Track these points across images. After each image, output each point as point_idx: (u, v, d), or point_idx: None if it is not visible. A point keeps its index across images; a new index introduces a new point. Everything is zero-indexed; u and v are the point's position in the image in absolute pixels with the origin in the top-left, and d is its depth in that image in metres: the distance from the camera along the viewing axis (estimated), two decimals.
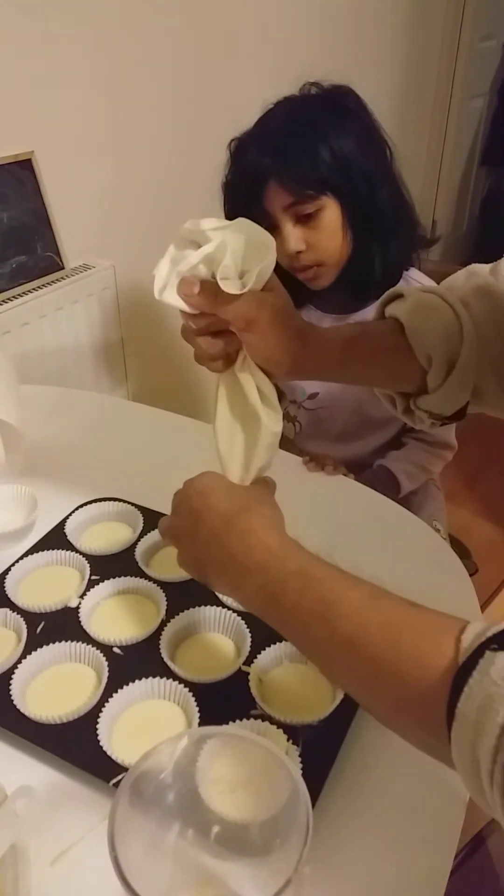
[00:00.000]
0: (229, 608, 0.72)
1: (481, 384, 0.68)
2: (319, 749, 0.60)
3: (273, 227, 1.03)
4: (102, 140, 1.51)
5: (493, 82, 2.99)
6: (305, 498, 0.90)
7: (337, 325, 0.80)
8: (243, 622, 0.71)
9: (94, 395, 1.37)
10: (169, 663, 0.67)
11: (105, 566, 0.79)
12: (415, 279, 1.14)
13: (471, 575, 0.81)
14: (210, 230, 0.54)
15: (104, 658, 0.68)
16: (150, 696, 0.65)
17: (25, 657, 0.67)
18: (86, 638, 0.71)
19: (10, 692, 0.64)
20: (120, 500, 0.89)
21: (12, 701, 0.64)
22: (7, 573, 0.78)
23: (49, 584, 0.78)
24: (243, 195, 1.05)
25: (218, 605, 0.73)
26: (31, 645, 0.69)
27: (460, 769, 0.39)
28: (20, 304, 1.36)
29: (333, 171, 1.00)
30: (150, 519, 0.85)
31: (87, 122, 1.46)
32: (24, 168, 1.36)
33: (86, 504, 0.88)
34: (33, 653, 0.68)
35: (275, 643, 0.68)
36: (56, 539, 0.84)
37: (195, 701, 0.63)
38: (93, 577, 0.78)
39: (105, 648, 0.69)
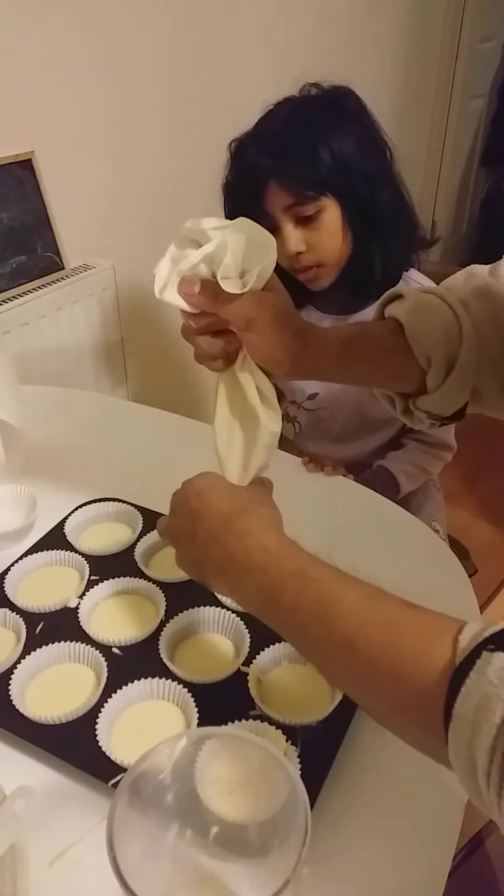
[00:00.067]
0: (228, 609, 0.72)
1: (480, 385, 0.68)
2: (318, 750, 0.60)
3: (273, 228, 1.03)
4: (103, 140, 1.51)
5: (493, 83, 2.99)
6: (305, 498, 0.90)
7: (337, 326, 0.80)
8: (242, 623, 0.71)
9: (94, 396, 1.37)
10: (168, 664, 0.67)
11: (104, 566, 0.80)
12: (414, 280, 1.14)
13: (470, 576, 0.81)
14: (211, 229, 0.54)
15: (103, 658, 0.68)
16: (149, 696, 0.65)
17: (25, 657, 0.67)
18: (85, 638, 0.71)
19: (10, 692, 0.64)
20: (119, 501, 0.89)
21: (11, 701, 0.64)
22: (6, 573, 0.78)
23: (48, 584, 0.78)
24: (243, 196, 1.05)
25: (217, 606, 0.73)
26: (31, 645, 0.69)
27: (457, 769, 0.39)
28: (20, 305, 1.36)
29: (333, 171, 1.01)
30: (150, 519, 0.85)
31: (88, 122, 1.46)
32: (24, 168, 1.36)
33: (85, 504, 0.88)
34: (32, 653, 0.68)
35: (274, 644, 0.68)
36: (55, 539, 0.84)
37: (194, 701, 0.63)
38: (92, 578, 0.78)
39: (104, 649, 0.69)
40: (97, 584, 0.77)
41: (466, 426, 0.79)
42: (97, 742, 0.60)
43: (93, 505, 0.88)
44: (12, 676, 0.65)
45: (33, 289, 1.40)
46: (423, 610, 0.45)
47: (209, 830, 0.51)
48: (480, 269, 0.71)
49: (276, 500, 0.61)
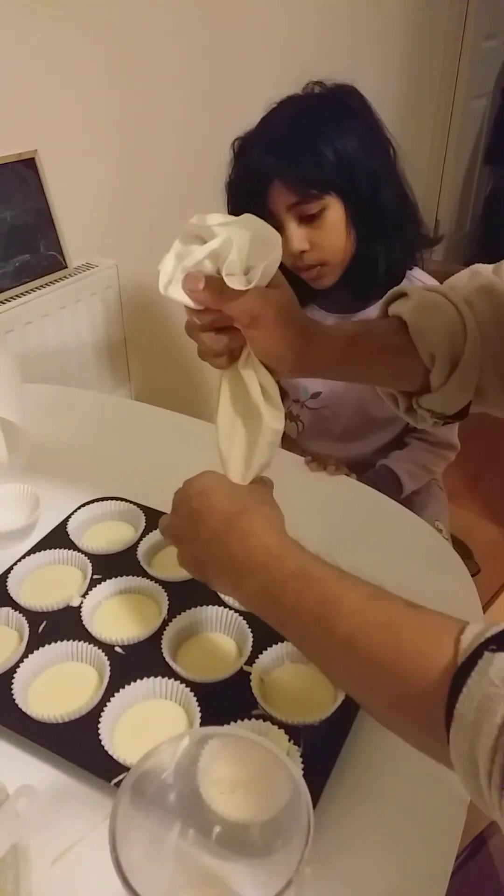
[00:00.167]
0: (231, 608, 0.72)
1: (484, 383, 0.68)
2: (321, 749, 0.60)
3: (277, 227, 1.01)
4: (106, 139, 1.51)
5: (497, 82, 2.99)
6: (307, 498, 0.90)
7: (340, 323, 0.80)
8: (245, 622, 0.71)
9: (97, 395, 1.38)
10: (170, 663, 0.67)
11: (107, 565, 0.80)
12: (418, 278, 1.13)
13: (473, 575, 0.81)
14: (216, 226, 0.54)
15: (106, 657, 0.68)
16: (151, 695, 0.65)
17: (27, 656, 0.67)
18: (88, 637, 0.71)
19: (12, 691, 0.64)
20: (122, 500, 0.89)
21: (14, 700, 0.64)
22: (9, 572, 0.78)
23: (51, 583, 0.78)
24: (247, 195, 1.05)
25: (219, 605, 0.73)
26: (33, 644, 0.69)
27: (459, 770, 0.39)
28: (23, 303, 1.36)
29: (337, 170, 1.00)
30: (152, 518, 0.85)
31: (91, 121, 1.46)
32: (27, 167, 1.36)
33: (88, 503, 0.88)
34: (35, 652, 0.68)
35: (276, 643, 0.68)
36: (58, 538, 0.84)
37: (196, 701, 0.63)
38: (95, 577, 0.78)
39: (107, 648, 0.69)
40: (100, 583, 0.77)
41: (469, 425, 0.79)
42: (100, 741, 0.60)
43: (95, 504, 0.88)
44: (15, 675, 0.65)
45: (36, 287, 1.40)
46: (424, 610, 0.45)
47: (212, 830, 0.51)
48: (484, 268, 0.71)
49: (278, 499, 0.61)
